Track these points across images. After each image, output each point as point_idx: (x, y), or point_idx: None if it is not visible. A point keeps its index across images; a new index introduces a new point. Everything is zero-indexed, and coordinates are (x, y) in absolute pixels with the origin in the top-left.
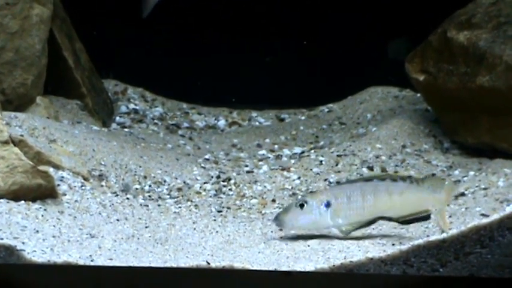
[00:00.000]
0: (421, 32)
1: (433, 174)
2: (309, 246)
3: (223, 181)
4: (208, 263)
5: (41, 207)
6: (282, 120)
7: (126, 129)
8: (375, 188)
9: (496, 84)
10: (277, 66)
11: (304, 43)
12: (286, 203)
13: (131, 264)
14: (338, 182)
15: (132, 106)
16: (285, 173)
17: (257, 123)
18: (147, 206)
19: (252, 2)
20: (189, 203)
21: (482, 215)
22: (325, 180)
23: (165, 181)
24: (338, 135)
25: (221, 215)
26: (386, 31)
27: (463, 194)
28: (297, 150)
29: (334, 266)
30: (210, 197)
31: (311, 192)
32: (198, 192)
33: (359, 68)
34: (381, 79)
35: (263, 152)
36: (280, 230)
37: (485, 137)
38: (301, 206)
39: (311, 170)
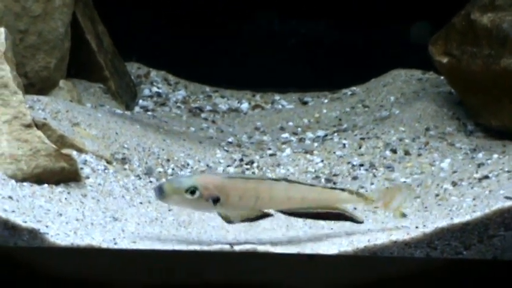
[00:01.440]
0: (445, 14)
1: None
2: (332, 229)
3: (246, 164)
4: (232, 246)
5: (64, 191)
6: (305, 103)
7: (149, 113)
8: (272, 189)
9: None
10: (301, 49)
11: (327, 26)
12: None
13: (154, 248)
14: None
15: (155, 89)
16: (308, 156)
17: (280, 106)
18: None
19: None
20: None
21: (506, 197)
22: (348, 163)
23: (188, 164)
24: (361, 118)
25: None
26: (409, 13)
27: (486, 177)
28: (320, 133)
29: (357, 249)
30: None
31: (204, 176)
32: None
33: (382, 50)
34: (405, 62)
35: (286, 135)
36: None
37: (509, 119)
38: (191, 193)
39: (334, 153)
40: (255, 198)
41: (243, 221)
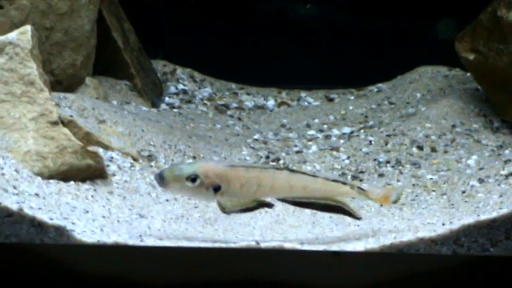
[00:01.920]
0: (471, 10)
1: None
2: (358, 226)
3: (273, 161)
4: (258, 243)
5: (90, 188)
6: (331, 100)
7: (175, 110)
8: (274, 179)
9: None
10: (326, 46)
11: (353, 23)
12: None
13: (181, 245)
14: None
15: (181, 86)
16: (334, 153)
17: (306, 103)
18: None
19: None
20: None
21: None
22: (375, 160)
23: None
24: (387, 115)
25: None
26: (435, 10)
27: None
28: (346, 130)
29: (384, 246)
30: None
31: (206, 163)
32: None
33: (409, 47)
34: (431, 58)
35: (312, 132)
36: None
37: None
38: (192, 180)
39: (360, 150)
40: (257, 187)
41: (242, 211)
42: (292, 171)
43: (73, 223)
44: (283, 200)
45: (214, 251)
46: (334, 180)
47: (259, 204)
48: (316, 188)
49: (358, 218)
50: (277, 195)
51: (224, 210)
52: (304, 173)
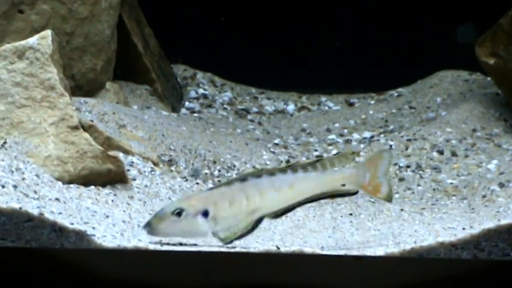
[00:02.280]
0: (491, 15)
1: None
2: (379, 230)
3: None
4: (278, 248)
5: (110, 192)
6: (352, 104)
7: (195, 114)
8: (259, 186)
9: None
10: (347, 51)
11: (373, 28)
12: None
13: (201, 249)
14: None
15: (201, 91)
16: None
17: (326, 107)
18: None
19: None
20: None
21: None
22: (395, 164)
23: (234, 166)
24: (408, 120)
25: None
26: (455, 15)
27: None
28: (367, 134)
29: (404, 250)
30: None
31: (187, 196)
32: None
33: (429, 51)
34: (451, 63)
35: (332, 136)
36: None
37: None
38: (178, 214)
39: None
40: (246, 200)
41: (240, 236)
42: (272, 173)
43: (93, 228)
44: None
45: (234, 256)
46: (312, 165)
47: (257, 221)
48: (307, 186)
49: (355, 193)
50: (268, 202)
51: (224, 240)
52: (282, 170)
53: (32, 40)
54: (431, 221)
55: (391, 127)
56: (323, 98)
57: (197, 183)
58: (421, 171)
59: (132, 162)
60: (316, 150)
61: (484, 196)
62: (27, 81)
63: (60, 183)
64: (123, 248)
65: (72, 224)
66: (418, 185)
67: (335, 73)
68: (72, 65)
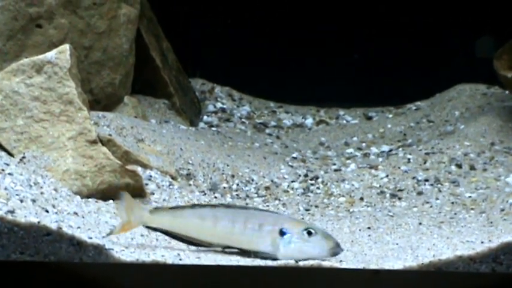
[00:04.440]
0: (509, 28)
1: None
2: (397, 244)
3: (311, 179)
4: (297, 262)
5: None
6: (370, 118)
7: (213, 128)
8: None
9: None
10: (365, 64)
11: (391, 41)
12: (375, 201)
13: (219, 263)
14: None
15: (219, 105)
16: (372, 171)
17: (344, 121)
18: None
19: (341, 1)
20: (276, 201)
21: None
22: (413, 178)
23: (252, 180)
24: (426, 133)
25: (309, 213)
26: (474, 28)
27: None
28: (385, 148)
29: (422, 264)
30: (298, 195)
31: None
32: (286, 191)
33: (447, 65)
34: (469, 76)
35: (351, 150)
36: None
37: None
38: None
39: (399, 168)
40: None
41: None
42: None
43: (112, 242)
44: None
45: (253, 270)
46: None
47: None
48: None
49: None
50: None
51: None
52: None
53: (50, 54)
54: (449, 235)
55: (409, 141)
56: (341, 112)
57: (215, 197)
58: (439, 185)
59: (151, 176)
60: (334, 164)
61: (502, 210)
62: (45, 96)
63: (78, 197)
64: (142, 262)
65: (91, 238)
66: (437, 199)
67: (353, 87)
68: (90, 79)
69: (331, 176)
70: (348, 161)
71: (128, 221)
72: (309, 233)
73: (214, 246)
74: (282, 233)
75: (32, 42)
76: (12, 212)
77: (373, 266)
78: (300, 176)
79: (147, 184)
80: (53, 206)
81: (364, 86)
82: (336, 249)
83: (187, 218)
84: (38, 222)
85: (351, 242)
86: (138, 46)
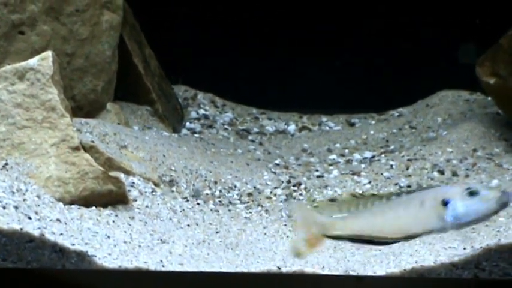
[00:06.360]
0: (492, 35)
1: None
2: (380, 250)
3: (294, 186)
4: (279, 268)
5: (111, 213)
6: (352, 124)
7: (196, 135)
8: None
9: None
10: (347, 71)
11: (373, 47)
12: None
13: (202, 270)
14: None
15: (202, 112)
16: (355, 177)
17: (327, 127)
18: (218, 211)
19: (322, 7)
20: (259, 208)
21: None
22: (396, 184)
23: (235, 186)
24: (408, 140)
25: (292, 219)
26: (456, 34)
27: None
28: (367, 154)
29: (405, 270)
30: (281, 201)
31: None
32: (269, 197)
33: (429, 71)
34: (452, 83)
35: (333, 156)
36: None
37: None
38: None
39: (381, 174)
40: None
41: None
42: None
43: (94, 248)
44: None
45: (235, 276)
46: None
47: None
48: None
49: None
50: None
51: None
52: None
53: (33, 61)
54: (432, 241)
55: (392, 147)
56: (324, 118)
57: (198, 204)
58: None
59: (133, 182)
60: (317, 170)
61: None
62: (28, 103)
63: (61, 204)
64: (124, 268)
65: (73, 244)
66: None
67: (336, 93)
68: (72, 86)
69: (313, 182)
70: (331, 168)
71: (311, 234)
72: (471, 193)
73: (399, 240)
74: (444, 203)
75: (14, 49)
76: None
77: (355, 273)
78: (282, 182)
79: (129, 191)
80: (36, 213)
81: (347, 92)
82: (504, 198)
83: (367, 218)
84: (21, 229)
85: (333, 248)
86: (120, 53)
